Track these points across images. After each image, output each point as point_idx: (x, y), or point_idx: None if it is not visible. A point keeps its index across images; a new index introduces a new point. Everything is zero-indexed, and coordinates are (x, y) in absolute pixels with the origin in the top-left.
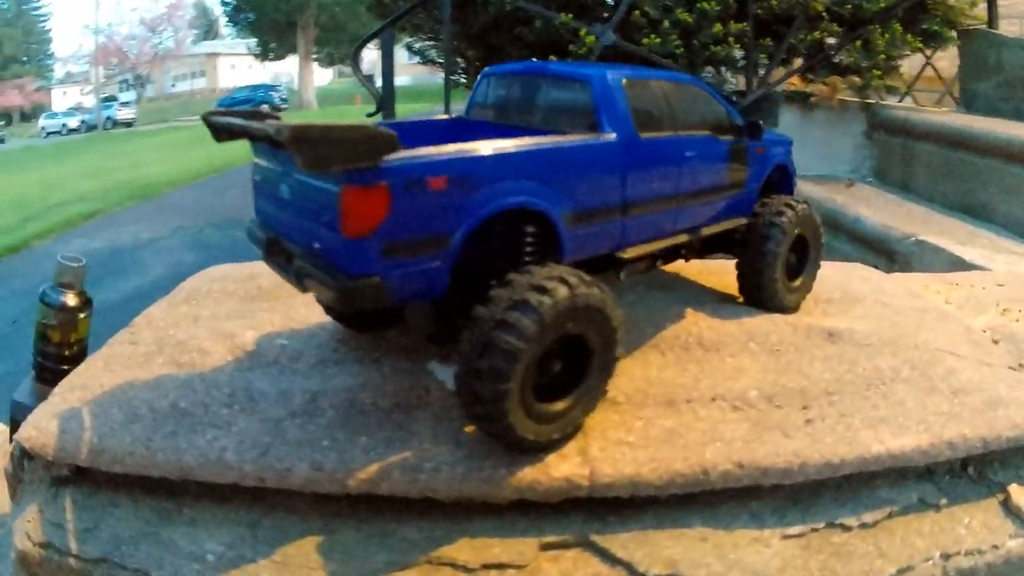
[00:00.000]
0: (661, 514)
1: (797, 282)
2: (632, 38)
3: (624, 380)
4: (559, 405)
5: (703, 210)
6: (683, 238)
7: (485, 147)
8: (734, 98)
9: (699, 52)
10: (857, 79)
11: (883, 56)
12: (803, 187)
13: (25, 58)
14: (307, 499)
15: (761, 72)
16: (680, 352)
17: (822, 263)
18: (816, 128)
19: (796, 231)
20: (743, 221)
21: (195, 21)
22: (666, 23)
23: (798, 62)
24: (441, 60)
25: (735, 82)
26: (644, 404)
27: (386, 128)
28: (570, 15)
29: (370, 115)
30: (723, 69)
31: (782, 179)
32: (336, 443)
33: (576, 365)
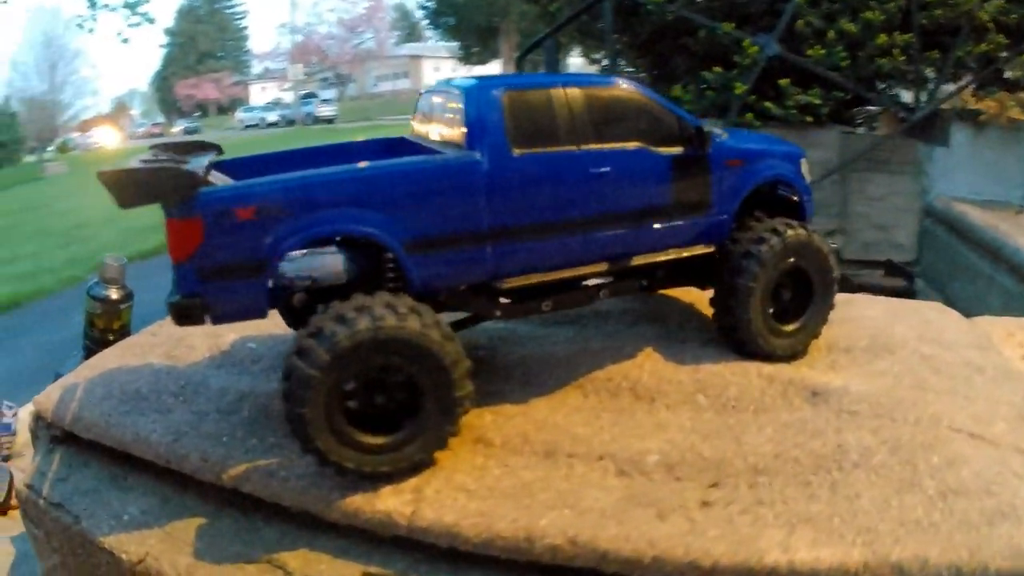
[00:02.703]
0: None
1: (792, 325)
2: (797, 49)
3: (518, 421)
4: (381, 439)
5: (632, 236)
6: (600, 267)
7: (305, 175)
8: (901, 115)
9: (865, 64)
10: None
11: None
12: (967, 211)
13: (221, 54)
14: (214, 485)
15: (930, 87)
16: (605, 397)
17: (880, 297)
18: (987, 148)
19: (787, 262)
20: (708, 249)
21: (396, 23)
22: (831, 34)
23: (967, 77)
24: (620, 70)
25: (906, 98)
26: (519, 451)
27: (189, 169)
28: (733, 24)
29: None
30: (892, 84)
31: (787, 199)
32: (232, 440)
33: (408, 402)
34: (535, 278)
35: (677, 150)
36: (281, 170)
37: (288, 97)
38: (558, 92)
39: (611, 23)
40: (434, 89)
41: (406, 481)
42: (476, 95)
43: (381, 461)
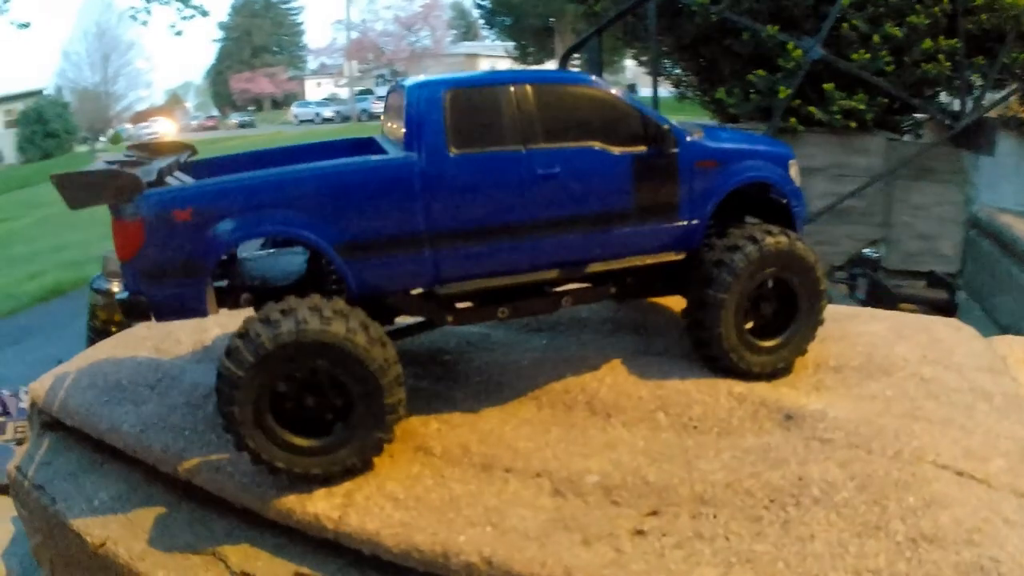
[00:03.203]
0: None
1: (773, 340)
2: (842, 53)
3: (463, 431)
4: (311, 442)
5: (588, 241)
6: (551, 275)
7: (239, 178)
8: (947, 122)
9: (910, 70)
10: None
11: None
12: (1012, 223)
13: (276, 49)
14: (176, 477)
15: (975, 94)
16: (558, 411)
17: (892, 311)
18: None
19: (765, 272)
20: (677, 256)
21: (453, 22)
22: (876, 38)
23: (1013, 84)
24: (667, 72)
25: (952, 105)
26: (457, 462)
27: (130, 172)
28: (777, 27)
29: None
30: (938, 90)
31: (775, 203)
32: (193, 434)
33: (339, 406)
34: (479, 284)
35: (638, 150)
36: (251, 169)
37: (344, 93)
38: (507, 90)
39: (655, 24)
40: (395, 87)
41: (340, 485)
42: (417, 94)
43: (312, 463)
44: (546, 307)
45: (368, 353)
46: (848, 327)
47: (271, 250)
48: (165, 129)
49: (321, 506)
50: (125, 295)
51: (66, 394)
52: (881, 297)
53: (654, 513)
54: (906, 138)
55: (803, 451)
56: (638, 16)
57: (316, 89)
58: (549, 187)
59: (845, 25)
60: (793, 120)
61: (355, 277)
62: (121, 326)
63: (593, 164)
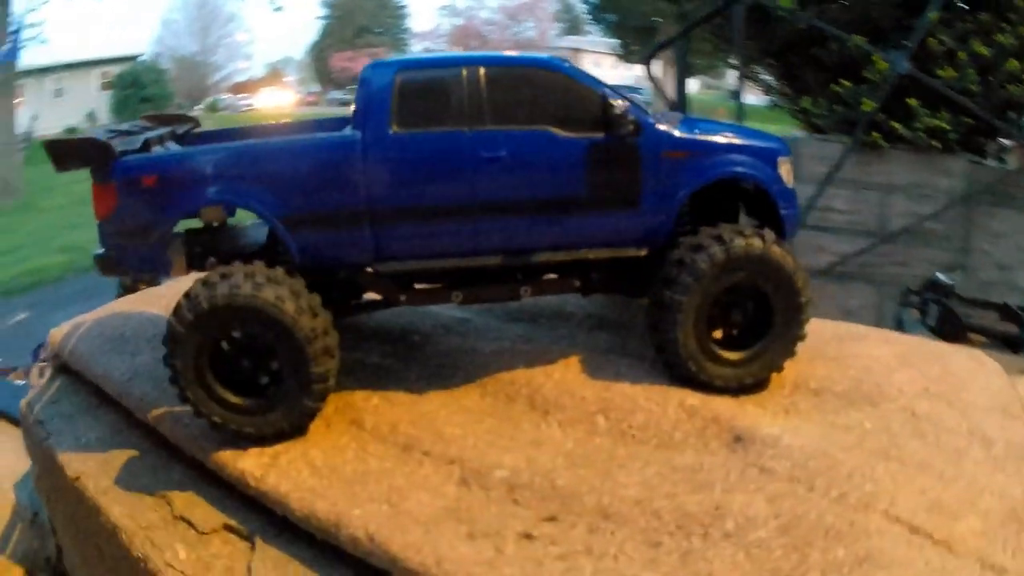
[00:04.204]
0: (314, 554)
1: (739, 353)
2: (928, 69)
3: (399, 411)
4: (243, 401)
5: (536, 229)
6: (493, 261)
7: (199, 149)
8: None
9: (996, 91)
10: None
11: None
12: None
13: (379, 30)
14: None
15: None
16: (500, 401)
17: (906, 336)
18: None
19: (733, 277)
20: (638, 252)
21: (559, 15)
22: (962, 55)
23: None
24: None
25: None
26: (383, 439)
27: (102, 139)
28: (864, 38)
29: None
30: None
31: (761, 202)
32: (170, 387)
33: (274, 371)
34: (419, 265)
35: (595, 136)
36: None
37: None
38: (459, 72)
39: (741, 28)
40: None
41: (271, 447)
42: (370, 74)
43: (245, 422)
44: (504, 295)
45: (295, 321)
46: (848, 348)
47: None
48: (279, 100)
49: (248, 464)
50: (100, 252)
51: (76, 341)
52: (951, 325)
53: (551, 519)
54: (990, 162)
55: (735, 478)
56: (727, 19)
57: None
58: (494, 170)
59: (932, 40)
60: (877, 135)
61: (298, 248)
62: (150, 284)
63: (542, 148)
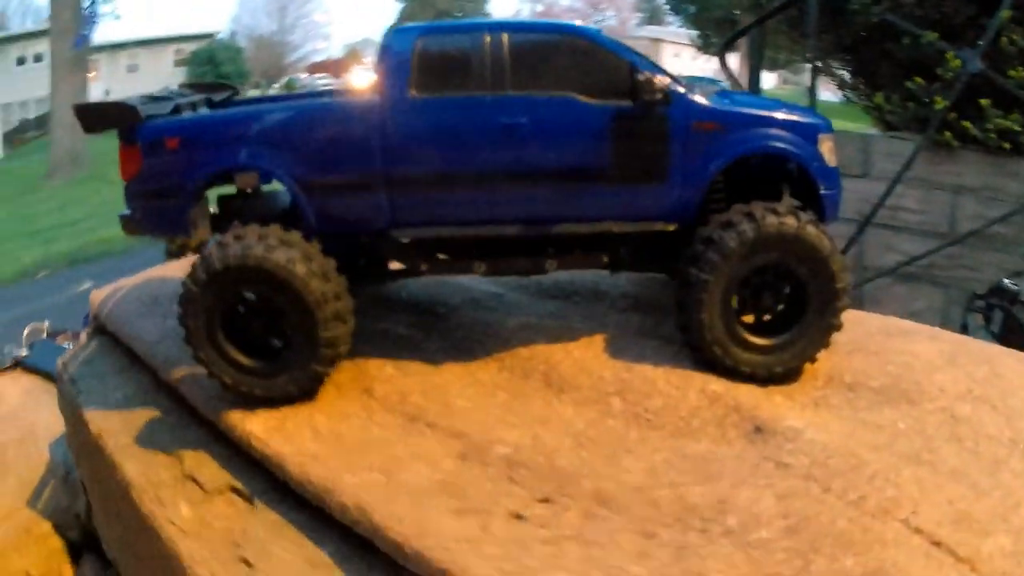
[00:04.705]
0: (308, 520)
1: (770, 339)
2: (1001, 69)
3: (412, 381)
4: (253, 362)
5: (557, 199)
6: (511, 231)
7: (221, 113)
8: None
9: None
10: None
11: None
12: None
13: (459, 14)
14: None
15: None
16: (516, 377)
17: (964, 337)
18: None
19: (763, 257)
20: (666, 227)
21: (639, 5)
22: None
23: None
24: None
25: None
26: (391, 409)
27: (129, 103)
28: (937, 35)
29: None
30: None
31: (800, 181)
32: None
33: (283, 334)
34: (434, 232)
35: (621, 104)
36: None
37: None
38: (481, 38)
39: (814, 20)
40: None
41: (280, 410)
42: (391, 39)
43: (255, 384)
44: (528, 268)
45: (306, 284)
46: (891, 343)
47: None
48: (362, 80)
49: (255, 426)
50: (125, 212)
51: (113, 304)
52: (1015, 333)
53: (546, 500)
54: None
55: (747, 471)
56: (802, 11)
57: None
58: (514, 137)
59: (1003, 40)
60: (948, 134)
61: (314, 212)
62: (195, 251)
63: (565, 115)
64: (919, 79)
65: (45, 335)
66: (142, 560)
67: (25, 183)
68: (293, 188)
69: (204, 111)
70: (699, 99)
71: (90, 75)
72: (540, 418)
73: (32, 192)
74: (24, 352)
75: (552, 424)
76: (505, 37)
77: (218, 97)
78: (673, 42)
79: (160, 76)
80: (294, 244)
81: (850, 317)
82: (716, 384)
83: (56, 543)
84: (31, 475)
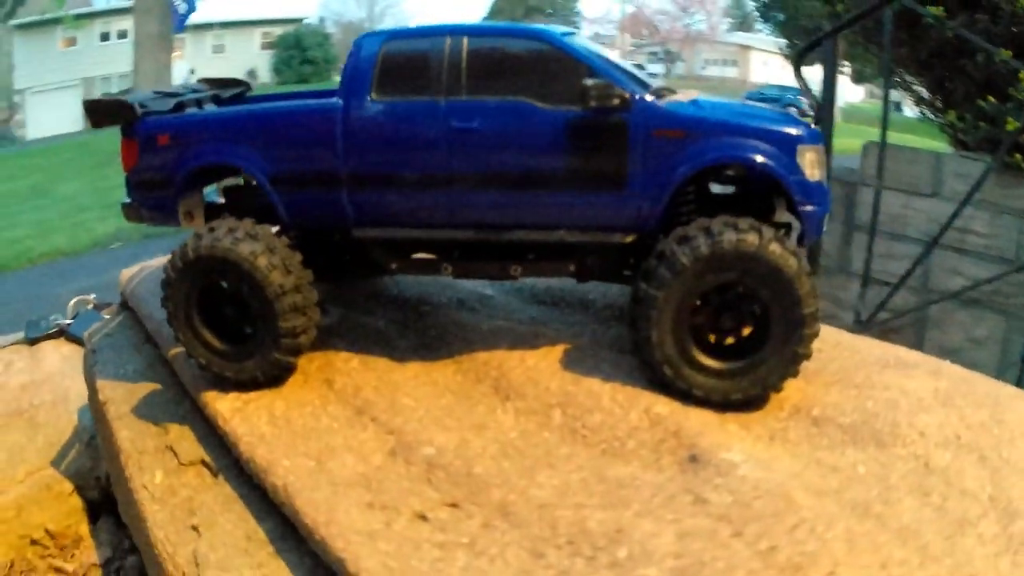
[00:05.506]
0: (257, 499)
1: (726, 363)
2: None
3: (371, 376)
4: (223, 346)
5: (510, 205)
6: (467, 235)
7: (205, 112)
8: None
9: None
10: None
11: None
12: None
13: (550, 11)
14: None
15: None
16: (468, 381)
17: (962, 369)
18: None
19: (720, 276)
20: (624, 239)
21: (729, 11)
22: None
23: None
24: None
25: None
26: (344, 401)
27: (128, 101)
28: (1011, 52)
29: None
30: None
31: (775, 196)
32: None
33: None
34: (391, 233)
35: (577, 109)
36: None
37: None
38: (442, 42)
39: (889, 33)
40: None
41: (248, 393)
42: (359, 43)
43: (225, 367)
44: (494, 272)
45: (266, 276)
46: (883, 376)
47: None
48: None
49: (223, 405)
50: (126, 200)
51: (138, 282)
52: None
53: (453, 505)
54: None
55: (659, 501)
56: (879, 23)
57: None
58: (466, 141)
59: None
60: (1019, 157)
61: (284, 208)
62: None
63: (518, 120)
64: (992, 98)
65: (91, 307)
66: (132, 522)
67: (103, 156)
68: (265, 186)
69: (208, 108)
70: (662, 105)
71: (175, 54)
72: (477, 424)
73: (110, 165)
74: (68, 322)
75: (487, 431)
76: (465, 41)
77: (227, 94)
78: (762, 50)
79: (246, 58)
80: (260, 237)
81: (848, 343)
82: (663, 406)
83: (76, 502)
84: (59, 437)
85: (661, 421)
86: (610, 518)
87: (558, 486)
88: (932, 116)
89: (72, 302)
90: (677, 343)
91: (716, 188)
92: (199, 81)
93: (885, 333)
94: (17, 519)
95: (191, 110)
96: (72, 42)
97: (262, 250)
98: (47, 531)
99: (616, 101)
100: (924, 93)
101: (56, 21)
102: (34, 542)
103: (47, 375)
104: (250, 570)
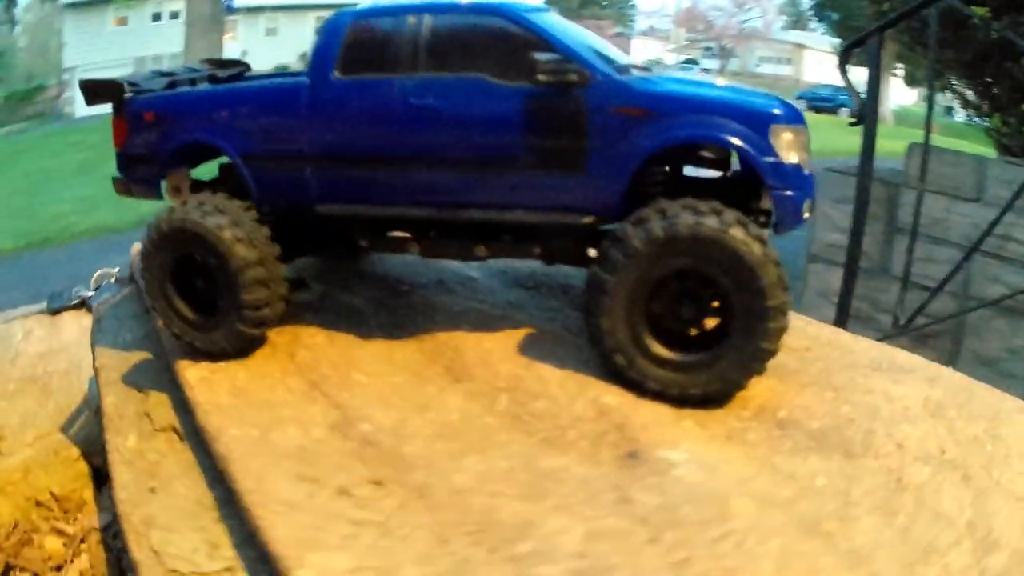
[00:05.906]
0: (209, 461)
1: (681, 355)
2: None
3: (334, 351)
4: (192, 316)
5: (468, 184)
6: (426, 213)
7: (184, 91)
8: None
9: None
10: None
11: None
12: None
13: (606, 3)
14: None
15: None
16: (424, 360)
17: (966, 378)
18: None
19: (676, 262)
20: (585, 221)
21: (784, 8)
22: None
23: None
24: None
25: None
26: (302, 374)
27: (118, 80)
28: None
29: (852, 124)
30: None
31: (753, 179)
32: None
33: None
34: (352, 210)
35: (532, 84)
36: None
37: (669, 59)
38: (407, 20)
39: (935, 33)
40: None
41: (216, 363)
42: (329, 22)
43: (196, 337)
44: (459, 253)
45: (229, 248)
46: (869, 380)
47: None
48: None
49: (191, 374)
50: (117, 175)
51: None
52: None
53: (377, 483)
54: None
55: (581, 497)
56: (924, 22)
57: (642, 50)
58: (424, 119)
59: None
60: None
61: (255, 184)
62: None
63: (474, 97)
64: None
65: (114, 280)
66: (110, 484)
67: None
68: (238, 163)
69: (199, 88)
70: (623, 81)
71: (227, 36)
72: (422, 404)
73: None
74: (90, 294)
75: (429, 411)
76: (428, 19)
77: (224, 74)
78: (816, 49)
79: (299, 41)
80: (227, 211)
81: (843, 343)
82: (613, 397)
83: (82, 468)
84: (69, 403)
85: (608, 412)
86: (524, 510)
87: (482, 472)
88: (978, 120)
89: (95, 275)
90: (630, 331)
91: (702, 173)
92: (201, 61)
93: (923, 338)
94: (24, 481)
95: (182, 89)
96: (124, 21)
97: (228, 223)
98: (52, 494)
99: (573, 77)
100: (970, 96)
101: (108, 1)
102: (39, 504)
103: (64, 344)
104: (192, 532)
